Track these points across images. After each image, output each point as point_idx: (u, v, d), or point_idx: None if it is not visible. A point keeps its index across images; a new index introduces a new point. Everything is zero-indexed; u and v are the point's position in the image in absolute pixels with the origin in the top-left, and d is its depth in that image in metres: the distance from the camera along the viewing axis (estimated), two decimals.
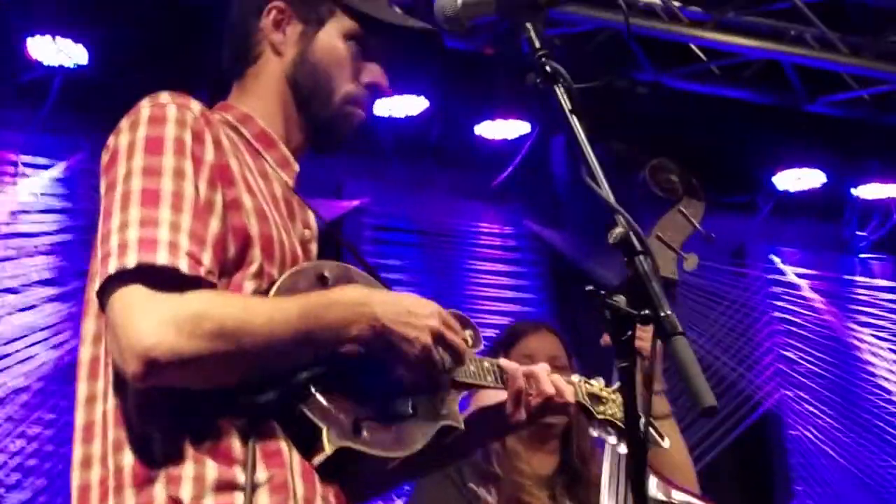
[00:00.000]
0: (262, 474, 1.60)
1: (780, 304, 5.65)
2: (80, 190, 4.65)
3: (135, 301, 1.56)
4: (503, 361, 1.93)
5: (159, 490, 1.58)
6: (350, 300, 1.67)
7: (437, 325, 1.70)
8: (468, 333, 1.84)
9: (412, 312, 1.70)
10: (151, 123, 1.66)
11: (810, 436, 5.51)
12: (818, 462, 5.50)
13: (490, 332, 5.06)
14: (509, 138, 5.05)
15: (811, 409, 5.53)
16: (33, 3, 4.38)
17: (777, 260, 5.70)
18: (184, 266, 1.57)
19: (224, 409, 1.62)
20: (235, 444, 1.61)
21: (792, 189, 5.45)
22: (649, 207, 2.53)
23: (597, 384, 2.09)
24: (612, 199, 1.58)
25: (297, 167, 1.83)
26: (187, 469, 1.59)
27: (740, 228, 5.54)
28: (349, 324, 1.65)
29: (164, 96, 1.69)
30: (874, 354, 5.70)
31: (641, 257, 1.53)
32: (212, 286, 1.60)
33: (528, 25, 1.74)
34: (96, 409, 1.65)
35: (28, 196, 4.58)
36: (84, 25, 4.42)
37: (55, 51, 4.40)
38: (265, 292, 1.67)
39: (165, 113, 1.66)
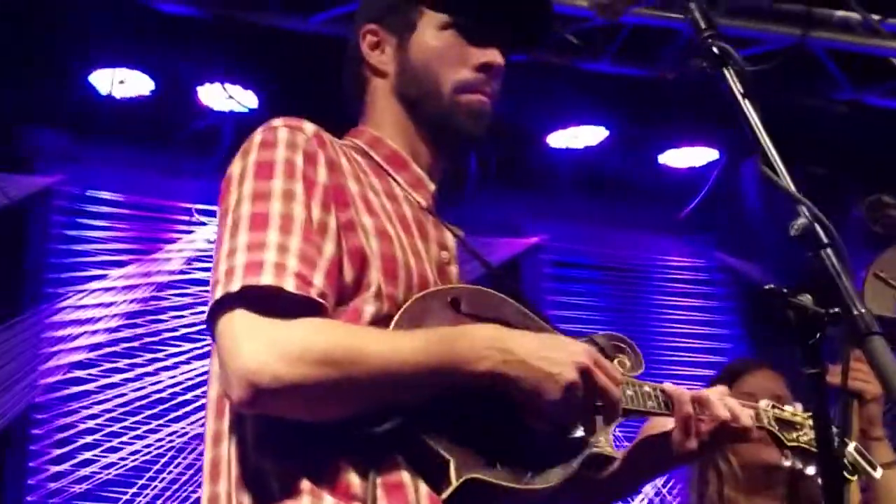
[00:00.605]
0: None
1: None
2: None
3: (239, 325, 1.50)
4: (668, 386, 1.76)
5: None
6: (483, 334, 1.55)
7: (584, 362, 1.54)
8: (626, 357, 1.74)
9: (555, 349, 1.56)
10: (262, 148, 1.60)
11: None
12: None
13: (683, 370, 4.83)
14: (696, 166, 4.72)
15: None
16: (203, 53, 4.31)
17: None
18: (290, 286, 1.48)
19: (342, 442, 1.52)
20: (354, 479, 1.51)
21: None
22: (866, 245, 2.42)
23: (790, 409, 1.91)
24: (792, 188, 1.44)
25: (432, 187, 1.75)
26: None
27: None
28: (479, 358, 1.52)
29: (277, 121, 1.62)
30: None
31: (829, 250, 1.38)
32: (324, 309, 1.51)
33: (692, 5, 1.58)
34: (222, 447, 1.59)
35: (203, 243, 4.48)
36: (252, 72, 4.34)
37: (225, 97, 4.34)
38: (389, 316, 1.56)
39: (276, 136, 1.60)
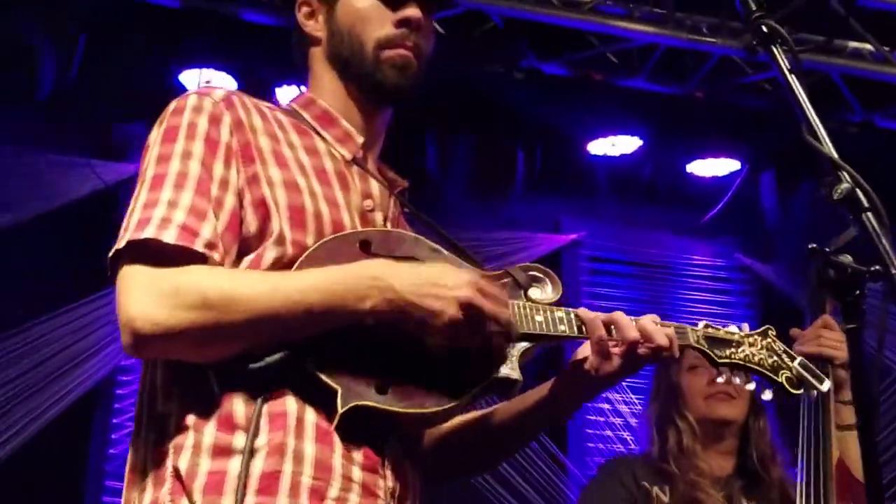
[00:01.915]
0: (262, 438, 1.45)
1: None
2: None
3: (125, 278, 1.47)
4: (581, 311, 1.61)
5: (168, 464, 1.46)
6: (366, 273, 1.48)
7: (466, 294, 1.47)
8: (543, 286, 1.62)
9: (437, 283, 1.48)
10: (172, 115, 1.58)
11: None
12: None
13: None
14: (720, 175, 4.71)
15: None
16: (281, 56, 4.25)
17: None
18: (169, 238, 1.45)
19: (233, 378, 1.47)
20: (239, 410, 1.46)
21: None
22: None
23: (728, 329, 1.71)
24: (835, 154, 1.39)
25: (360, 140, 1.68)
26: (189, 438, 1.47)
27: None
28: (362, 298, 1.46)
29: (190, 90, 1.62)
30: None
31: (870, 213, 1.34)
32: (210, 258, 1.47)
33: None
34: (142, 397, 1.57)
35: None
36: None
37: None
38: (293, 261, 1.51)
39: (185, 103, 1.58)
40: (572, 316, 1.61)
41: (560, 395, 1.68)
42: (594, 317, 1.61)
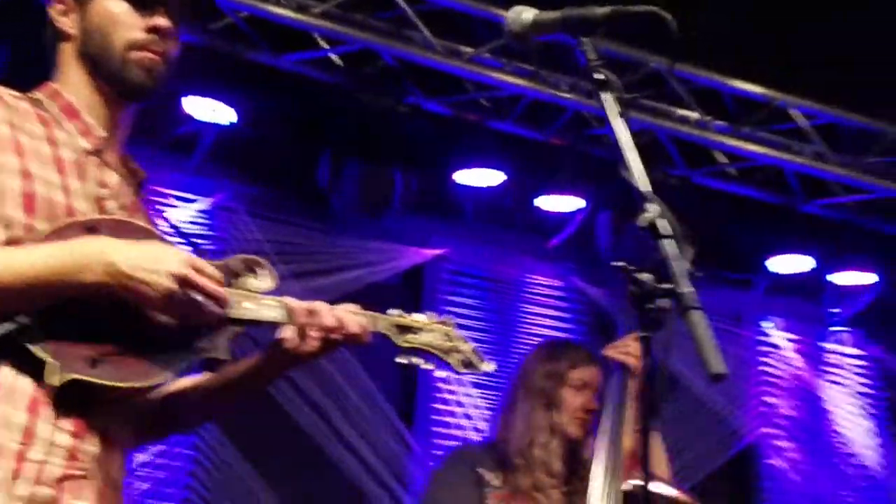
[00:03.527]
0: None
1: (766, 360, 5.45)
2: (219, 223, 4.52)
3: None
4: (287, 299, 1.67)
5: None
6: (88, 248, 1.47)
7: (181, 270, 1.47)
8: (256, 277, 1.62)
9: (156, 259, 1.47)
10: None
11: (782, 466, 5.32)
12: (787, 487, 5.30)
13: None
14: (566, 211, 4.87)
15: (784, 444, 5.35)
16: (189, 68, 4.23)
17: (767, 325, 5.52)
18: None
19: None
20: None
21: (783, 272, 5.24)
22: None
23: (414, 316, 1.79)
24: (645, 187, 1.41)
25: (101, 133, 1.64)
26: None
27: (740, 299, 5.35)
28: (82, 270, 1.44)
29: None
30: (837, 405, 5.51)
31: (667, 240, 1.37)
32: None
33: (586, 40, 1.55)
34: None
35: (175, 221, 4.29)
36: (234, 91, 4.29)
37: (209, 109, 4.22)
38: (20, 243, 1.47)
39: None
40: (280, 304, 1.64)
41: (263, 367, 1.71)
42: (299, 305, 1.65)
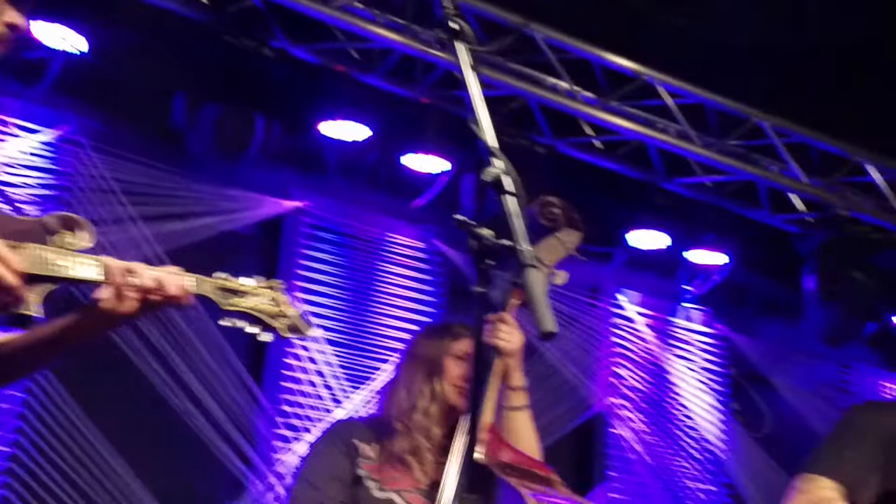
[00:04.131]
0: None
1: (618, 332, 5.37)
2: (63, 157, 4.10)
3: None
4: (106, 258, 1.64)
5: None
6: None
7: None
8: (73, 235, 1.59)
9: None
10: None
11: (626, 435, 5.27)
12: (629, 456, 5.26)
13: (394, 323, 4.79)
14: (432, 172, 4.63)
15: (630, 415, 5.29)
16: None
17: (622, 298, 5.45)
18: None
19: None
20: None
21: (642, 247, 5.15)
22: (535, 235, 2.34)
23: (241, 280, 1.76)
24: (493, 142, 1.36)
25: None
26: None
27: (598, 271, 5.22)
28: None
29: None
30: (683, 380, 5.49)
31: (510, 197, 1.33)
32: None
33: None
34: None
35: (16, 153, 3.98)
36: (87, 19, 3.91)
37: (58, 36, 3.84)
38: None
39: None
40: (98, 262, 1.60)
41: (80, 326, 1.66)
42: (116, 264, 1.61)
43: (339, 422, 2.82)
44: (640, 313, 5.45)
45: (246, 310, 1.72)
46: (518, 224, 1.32)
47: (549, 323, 1.27)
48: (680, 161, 4.96)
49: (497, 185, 1.36)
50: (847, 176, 5.18)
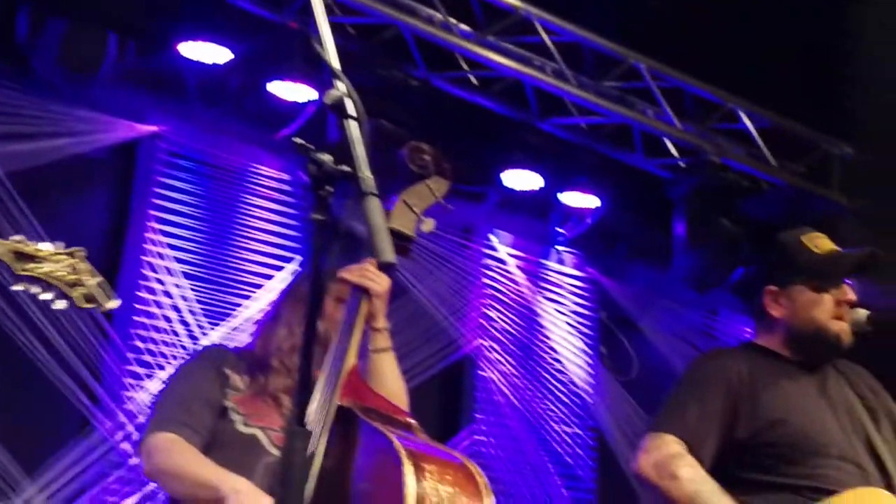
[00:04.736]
0: None
1: (490, 273, 5.32)
2: None
3: None
4: None
5: None
6: None
7: None
8: None
9: None
10: None
11: (494, 377, 5.25)
12: (496, 399, 5.26)
13: (254, 257, 4.65)
14: (299, 101, 4.42)
15: (499, 357, 5.27)
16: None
17: (494, 240, 5.39)
18: None
19: None
20: None
21: (516, 187, 5.09)
22: (404, 179, 2.36)
23: (38, 245, 1.76)
24: (335, 64, 1.33)
25: None
26: None
27: (472, 211, 5.12)
28: None
29: None
30: (553, 324, 5.49)
31: (352, 122, 1.30)
32: None
33: None
34: None
35: None
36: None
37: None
38: None
39: None
40: None
41: None
42: None
43: (211, 346, 2.81)
44: (511, 255, 5.41)
45: (40, 276, 1.72)
46: (359, 150, 1.29)
47: (388, 253, 1.24)
48: (555, 101, 4.89)
49: (338, 108, 1.33)
50: (720, 122, 5.21)
